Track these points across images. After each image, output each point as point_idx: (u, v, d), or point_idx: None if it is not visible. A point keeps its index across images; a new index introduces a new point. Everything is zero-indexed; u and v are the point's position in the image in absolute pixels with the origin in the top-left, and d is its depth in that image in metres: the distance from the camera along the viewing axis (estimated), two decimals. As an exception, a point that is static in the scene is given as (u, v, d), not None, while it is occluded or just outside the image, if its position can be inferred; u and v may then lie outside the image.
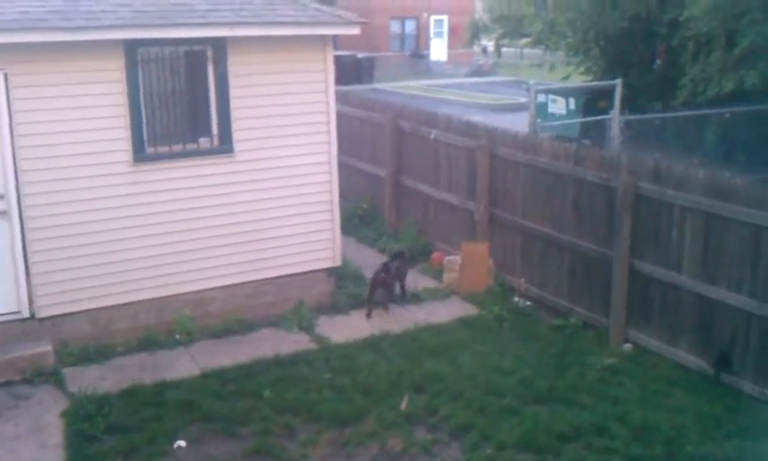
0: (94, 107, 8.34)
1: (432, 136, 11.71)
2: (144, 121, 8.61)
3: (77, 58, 8.18)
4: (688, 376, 8.13)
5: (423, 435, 7.03)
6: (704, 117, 16.31)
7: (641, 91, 19.38)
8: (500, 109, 26.87)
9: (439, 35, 46.13)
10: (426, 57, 44.51)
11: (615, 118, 15.57)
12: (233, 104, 9.01)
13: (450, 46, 45.99)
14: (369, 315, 9.61)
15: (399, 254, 10.50)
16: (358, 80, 33.28)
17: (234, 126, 9.05)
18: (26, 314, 8.34)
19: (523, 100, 23.72)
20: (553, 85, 19.90)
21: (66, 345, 8.43)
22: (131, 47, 8.39)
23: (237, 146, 9.12)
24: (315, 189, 9.69)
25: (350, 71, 33.48)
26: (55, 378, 7.98)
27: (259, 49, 9.07)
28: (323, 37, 9.41)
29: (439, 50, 45.67)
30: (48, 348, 8.22)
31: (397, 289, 10.20)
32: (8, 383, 7.86)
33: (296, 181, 9.51)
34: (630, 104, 17.62)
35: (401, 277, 10.25)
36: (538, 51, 31.05)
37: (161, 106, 8.79)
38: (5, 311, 8.28)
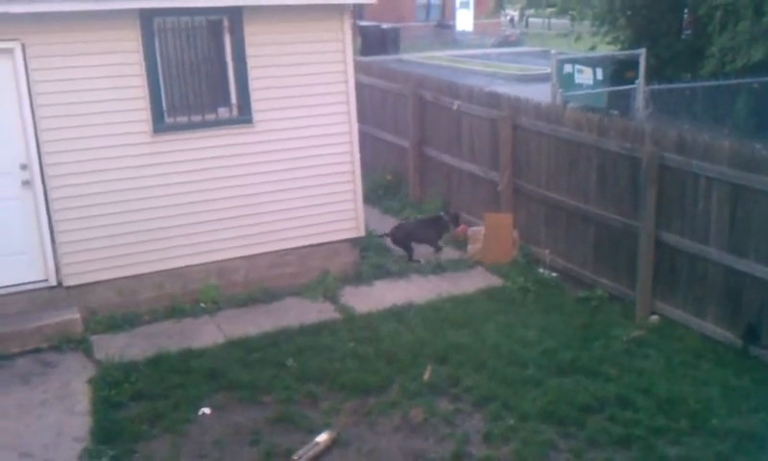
0: (112, 77, 8.38)
1: (455, 107, 11.61)
2: (163, 92, 8.65)
3: (93, 28, 8.20)
4: (716, 348, 8.04)
5: (446, 405, 7.04)
6: (734, 88, 16.01)
7: (669, 61, 19.07)
8: (527, 79, 26.57)
9: (465, 5, 45.58)
10: (452, 27, 44.06)
11: (640, 88, 15.36)
12: (251, 74, 9.01)
13: (476, 16, 45.47)
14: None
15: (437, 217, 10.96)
16: (383, 50, 33.05)
17: (253, 96, 9.06)
18: (53, 282, 8.46)
19: (549, 70, 23.44)
20: (577, 56, 19.64)
21: (94, 313, 8.55)
22: (146, 17, 8.40)
23: (256, 116, 9.12)
24: (335, 160, 9.68)
25: (376, 42, 33.30)
26: (82, 346, 8.09)
27: (276, 19, 9.04)
28: (340, 6, 9.34)
29: (465, 20, 45.15)
30: (76, 316, 8.33)
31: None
32: (36, 350, 7.98)
33: (315, 152, 9.51)
34: (658, 74, 17.35)
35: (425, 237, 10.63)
36: (565, 21, 30.60)
37: (180, 76, 8.81)
38: (33, 279, 8.41)
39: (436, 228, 10.72)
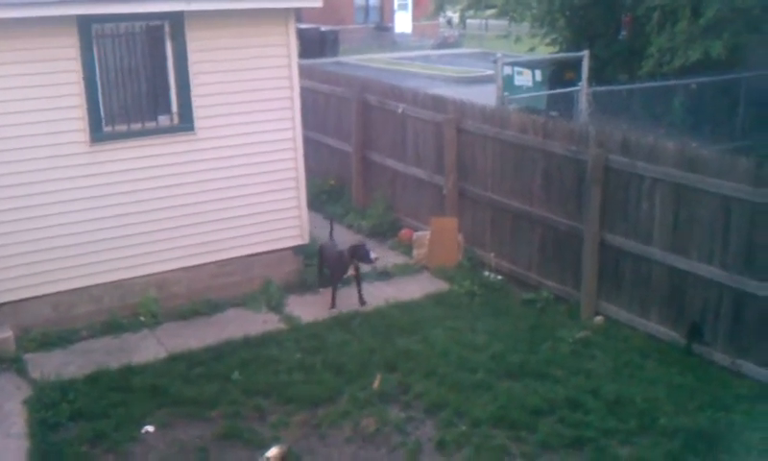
0: (48, 85, 8.09)
1: (399, 111, 11.54)
2: (101, 100, 8.39)
3: (29, 35, 7.91)
4: (660, 347, 8.14)
5: (397, 414, 6.96)
6: (670, 88, 16.32)
7: (608, 62, 19.32)
8: (466, 81, 26.74)
9: (403, 6, 45.68)
10: (391, 29, 44.12)
11: (583, 90, 15.51)
12: (193, 80, 8.81)
13: (415, 18, 45.61)
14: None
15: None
16: (322, 53, 32.87)
17: (195, 103, 8.85)
18: (-16, 300, 8.11)
19: (489, 72, 23.57)
20: (520, 58, 19.77)
21: (27, 330, 8.22)
22: (84, 23, 8.13)
23: (198, 124, 8.92)
24: (279, 166, 9.52)
25: (314, 45, 33.06)
26: (16, 365, 7.78)
27: (219, 23, 8.84)
28: (284, 10, 9.19)
29: (403, 22, 45.26)
30: (8, 333, 8.01)
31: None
32: (-33, 371, 7.64)
33: (259, 159, 9.35)
34: (596, 75, 17.57)
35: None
36: (503, 22, 30.88)
37: (119, 84, 8.56)
38: (-38, 297, 8.05)
39: (341, 261, 9.28)
